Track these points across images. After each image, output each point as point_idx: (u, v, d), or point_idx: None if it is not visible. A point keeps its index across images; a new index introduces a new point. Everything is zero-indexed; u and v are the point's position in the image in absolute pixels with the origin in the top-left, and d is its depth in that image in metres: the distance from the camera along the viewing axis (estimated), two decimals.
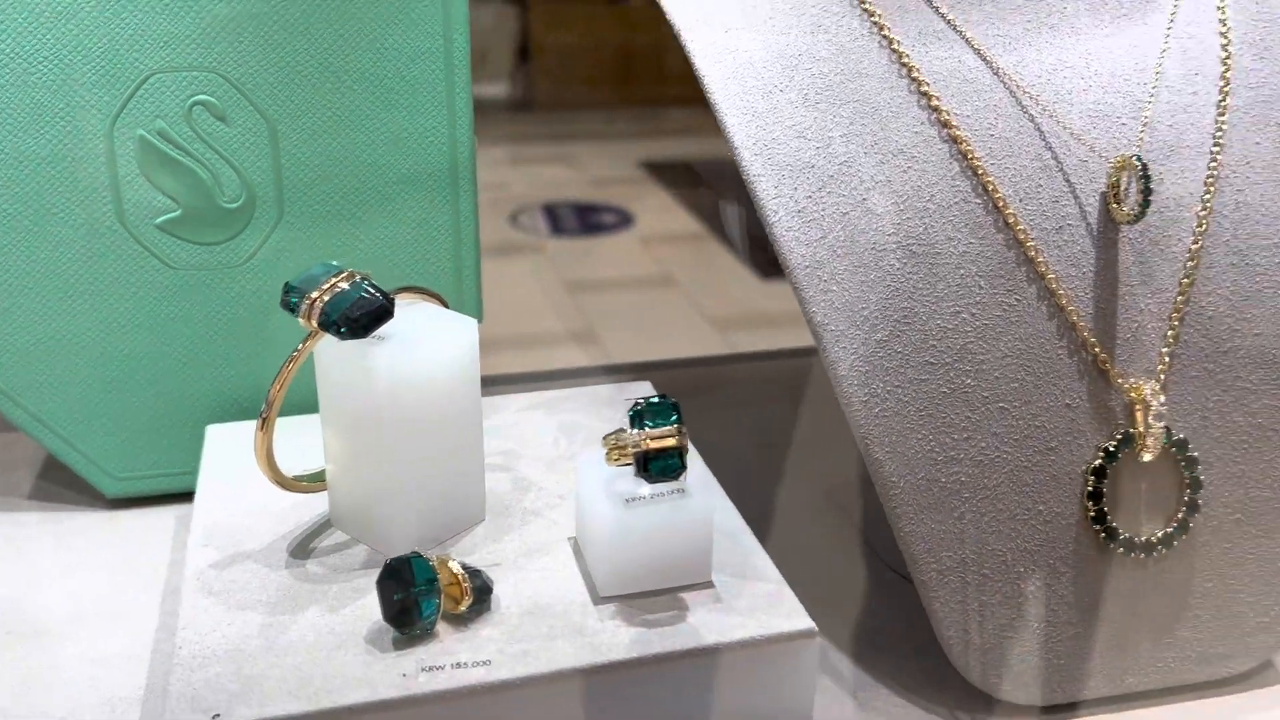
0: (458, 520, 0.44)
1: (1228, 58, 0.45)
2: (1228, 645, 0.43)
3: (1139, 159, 0.40)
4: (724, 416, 0.66)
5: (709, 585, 0.41)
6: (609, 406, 0.55)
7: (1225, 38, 0.45)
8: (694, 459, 0.49)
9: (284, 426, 0.48)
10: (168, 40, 0.48)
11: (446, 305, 0.45)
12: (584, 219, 2.52)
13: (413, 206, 0.52)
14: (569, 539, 0.44)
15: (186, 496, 0.51)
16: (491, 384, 0.66)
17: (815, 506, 0.56)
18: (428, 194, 0.53)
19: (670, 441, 0.37)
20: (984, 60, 0.42)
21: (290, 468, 0.44)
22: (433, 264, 0.54)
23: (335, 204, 0.52)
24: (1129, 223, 0.41)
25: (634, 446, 0.38)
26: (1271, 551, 0.43)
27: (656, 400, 0.38)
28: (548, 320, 2.01)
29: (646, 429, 0.38)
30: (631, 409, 0.38)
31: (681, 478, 0.39)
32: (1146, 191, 0.40)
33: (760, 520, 0.54)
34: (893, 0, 0.43)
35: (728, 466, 0.60)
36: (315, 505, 0.45)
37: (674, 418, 0.38)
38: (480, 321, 0.56)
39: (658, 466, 0.37)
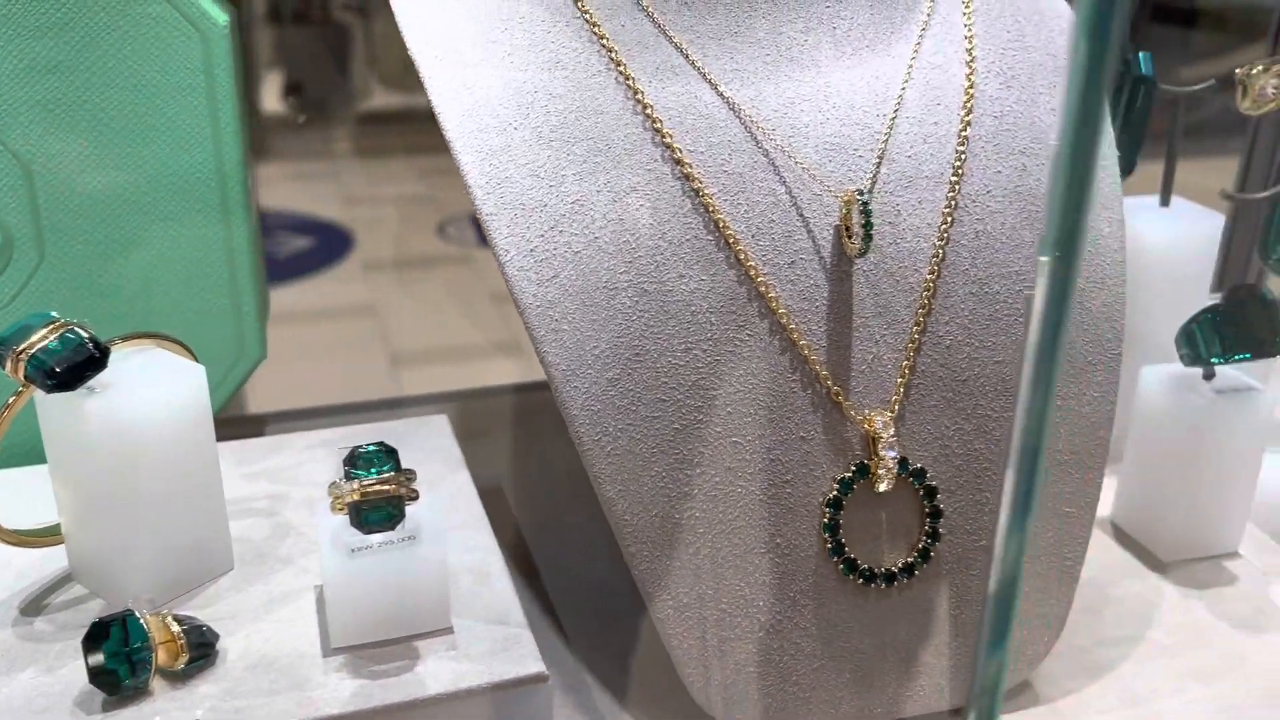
0: (200, 570, 0.43)
1: (971, 87, 0.45)
2: (969, 669, 0.44)
3: (860, 193, 0.40)
4: (545, 449, 0.66)
5: (448, 631, 0.41)
6: (402, 443, 0.54)
7: (970, 67, 0.46)
8: (459, 500, 0.49)
9: (27, 476, 0.46)
10: None
11: (189, 351, 0.44)
12: None
13: (181, 244, 0.51)
14: (316, 587, 0.43)
15: None
16: (294, 419, 0.65)
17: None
18: (197, 230, 0.52)
19: (385, 490, 0.37)
20: (720, 95, 0.42)
21: (33, 519, 0.43)
22: (207, 300, 0.53)
23: (99, 244, 0.50)
24: (859, 256, 0.41)
25: (347, 497, 0.37)
26: None
27: (371, 448, 0.38)
28: (471, 332, 2.00)
29: (359, 479, 0.37)
30: (345, 458, 0.38)
31: (403, 527, 0.39)
32: (868, 225, 0.40)
33: (555, 556, 0.54)
34: (632, 35, 0.43)
35: (536, 499, 0.60)
36: (58, 558, 0.44)
37: (388, 466, 0.37)
38: (264, 358, 0.56)
39: (371, 517, 0.37)
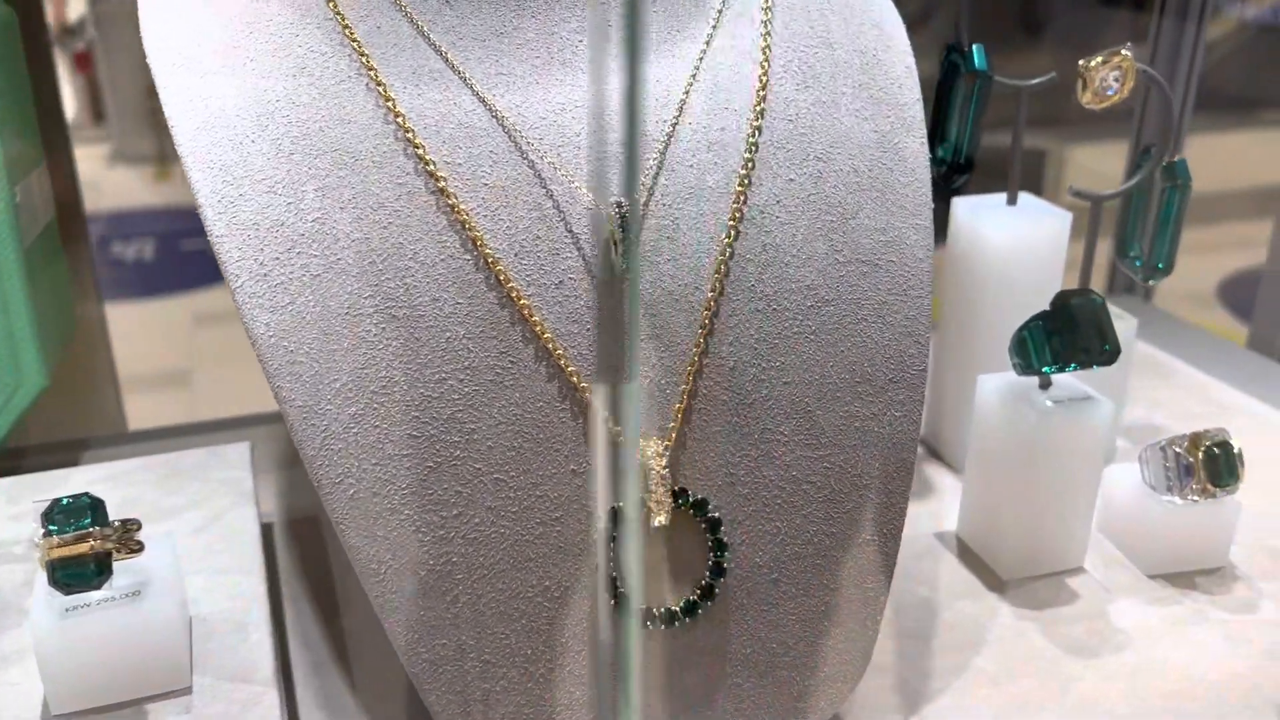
0: None
1: (764, 88, 0.42)
2: (774, 714, 0.41)
3: (620, 205, 0.37)
4: None
5: (186, 691, 0.37)
6: (180, 479, 0.51)
7: (765, 67, 0.43)
8: (235, 540, 0.45)
9: None
10: None
11: None
12: None
13: None
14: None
15: None
16: (92, 445, 0.61)
17: None
18: None
19: (81, 549, 0.34)
20: (482, 102, 0.39)
21: None
22: None
23: None
24: (623, 274, 0.38)
25: (44, 554, 0.34)
26: (813, 610, 0.41)
27: (69, 501, 0.34)
28: None
29: (53, 535, 0.34)
30: (43, 511, 0.34)
31: (125, 583, 0.35)
32: (627, 239, 0.37)
33: (351, 597, 0.51)
34: (388, 38, 0.40)
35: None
36: None
37: (87, 521, 0.34)
38: (45, 386, 0.52)
39: (66, 577, 0.33)
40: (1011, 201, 0.58)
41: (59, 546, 0.34)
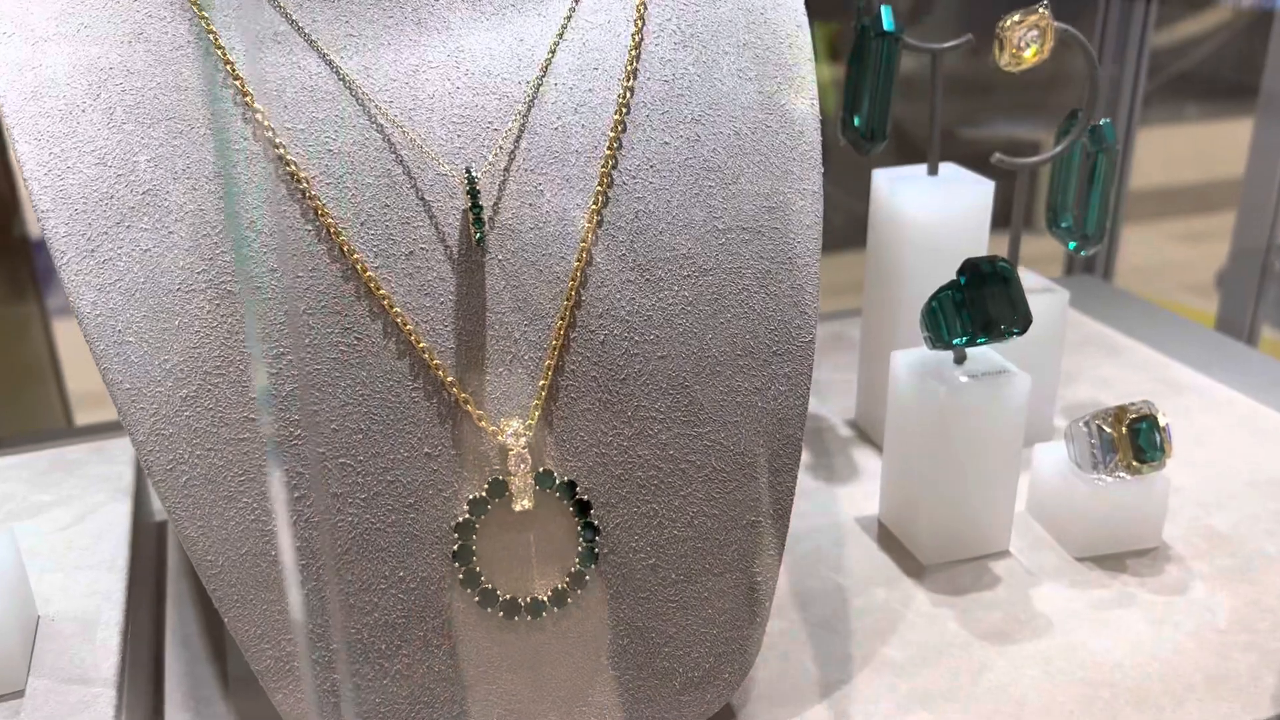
0: None
1: (636, 47, 0.40)
2: (656, 708, 0.39)
3: (470, 173, 0.35)
4: None
5: (18, 695, 0.35)
6: (56, 474, 0.49)
7: (639, 25, 0.41)
8: (86, 538, 0.43)
9: None
10: None
11: None
12: None
13: None
14: None
15: None
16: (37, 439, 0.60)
17: None
18: None
19: None
20: (329, 65, 0.37)
21: None
22: None
23: None
24: (477, 243, 0.36)
25: None
26: (696, 597, 0.39)
27: None
28: None
29: None
30: None
31: None
32: (478, 209, 0.35)
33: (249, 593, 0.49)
34: (230, 0, 0.38)
35: None
36: None
37: None
38: None
39: None
40: (932, 171, 0.56)
41: None
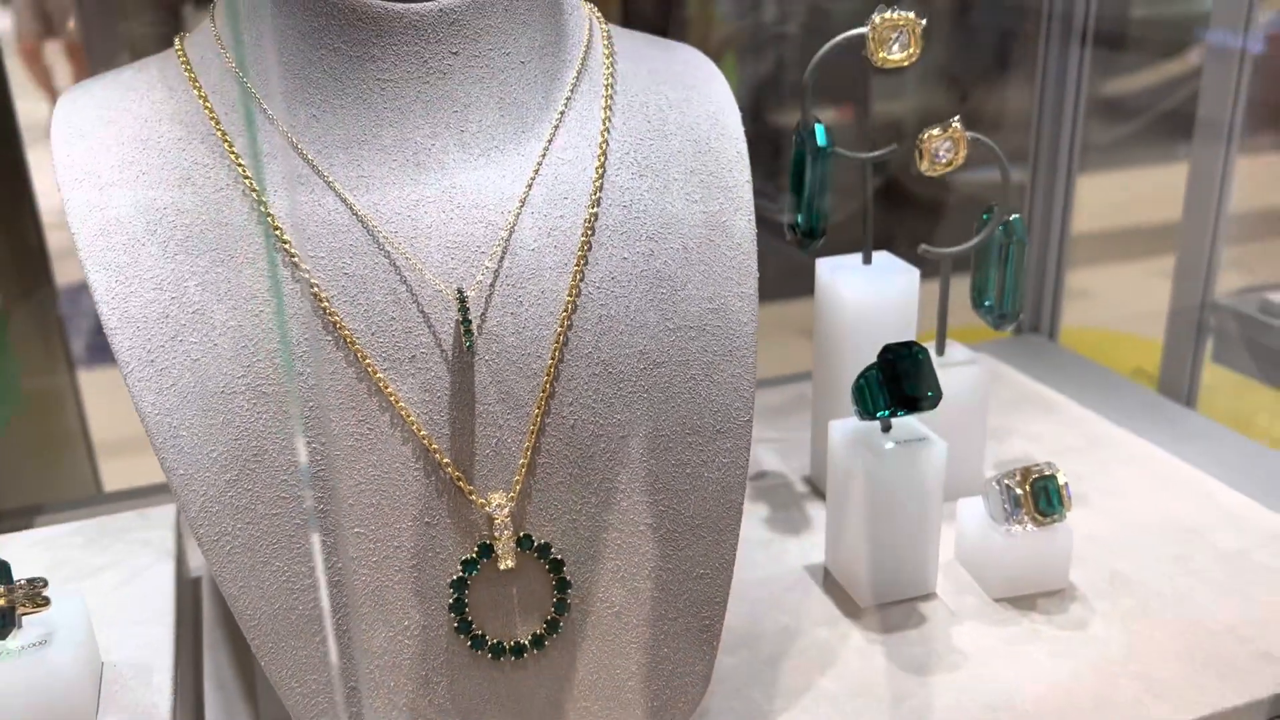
0: None
1: (600, 178, 0.48)
2: None
3: (460, 291, 0.43)
4: None
5: None
6: (106, 540, 0.56)
7: (602, 160, 0.48)
8: (152, 593, 0.50)
9: None
10: None
11: None
12: None
13: None
14: None
15: None
16: (47, 510, 0.67)
17: None
18: None
19: None
20: (344, 203, 0.45)
21: None
22: None
23: None
24: (469, 349, 0.44)
25: None
26: (655, 638, 0.46)
27: None
28: None
29: None
30: None
31: (31, 635, 0.41)
32: (468, 321, 0.43)
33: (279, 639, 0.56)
34: (263, 149, 0.46)
35: None
36: None
37: None
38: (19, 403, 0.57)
39: None
40: (866, 261, 0.64)
41: None
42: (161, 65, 0.50)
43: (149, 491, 0.73)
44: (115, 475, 0.94)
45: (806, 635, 0.55)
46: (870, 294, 0.62)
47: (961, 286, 0.66)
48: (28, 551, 0.55)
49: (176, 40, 0.51)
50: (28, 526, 0.62)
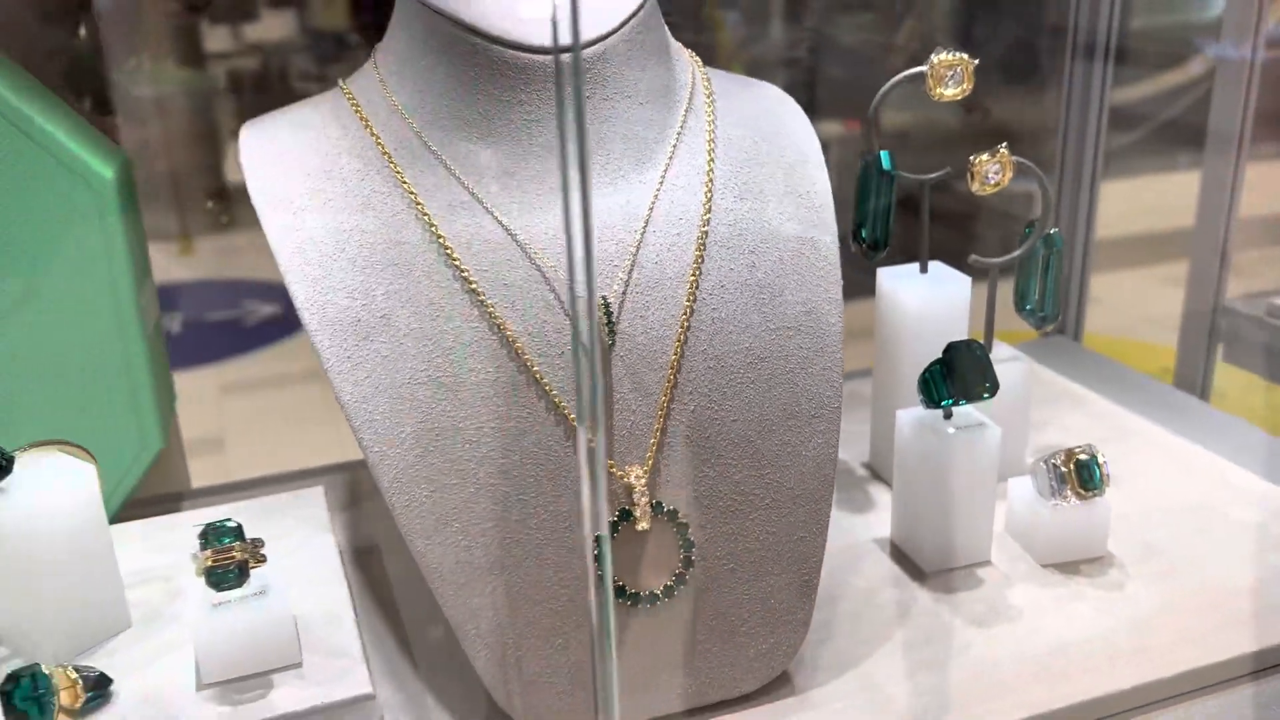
0: (102, 629, 0.53)
1: (709, 201, 0.56)
2: (737, 670, 0.54)
3: (604, 299, 0.51)
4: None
5: (297, 665, 0.51)
6: (271, 516, 0.64)
7: (709, 185, 0.57)
8: (319, 559, 0.59)
9: None
10: None
11: (87, 453, 0.54)
12: None
13: (86, 366, 0.62)
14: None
15: None
16: (192, 496, 0.75)
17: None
18: (96, 346, 0.62)
19: (231, 557, 0.47)
20: (500, 224, 0.53)
21: None
22: (109, 403, 0.63)
23: (16, 368, 0.61)
24: (609, 347, 0.52)
25: (202, 563, 0.47)
26: (762, 592, 0.54)
27: (218, 524, 0.48)
28: None
29: (210, 548, 0.47)
30: (200, 533, 0.48)
31: (255, 584, 0.49)
32: (611, 323, 0.51)
33: (413, 599, 0.64)
34: (429, 179, 0.54)
35: (403, 558, 0.70)
36: None
37: (230, 539, 0.48)
38: (164, 445, 0.66)
39: (218, 580, 0.47)
40: (923, 270, 0.72)
41: (214, 556, 0.47)
42: (333, 104, 0.59)
43: (238, 487, 0.81)
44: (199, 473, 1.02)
45: (880, 595, 0.63)
46: (927, 300, 0.71)
47: (1000, 292, 0.74)
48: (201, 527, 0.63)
49: (341, 81, 0.60)
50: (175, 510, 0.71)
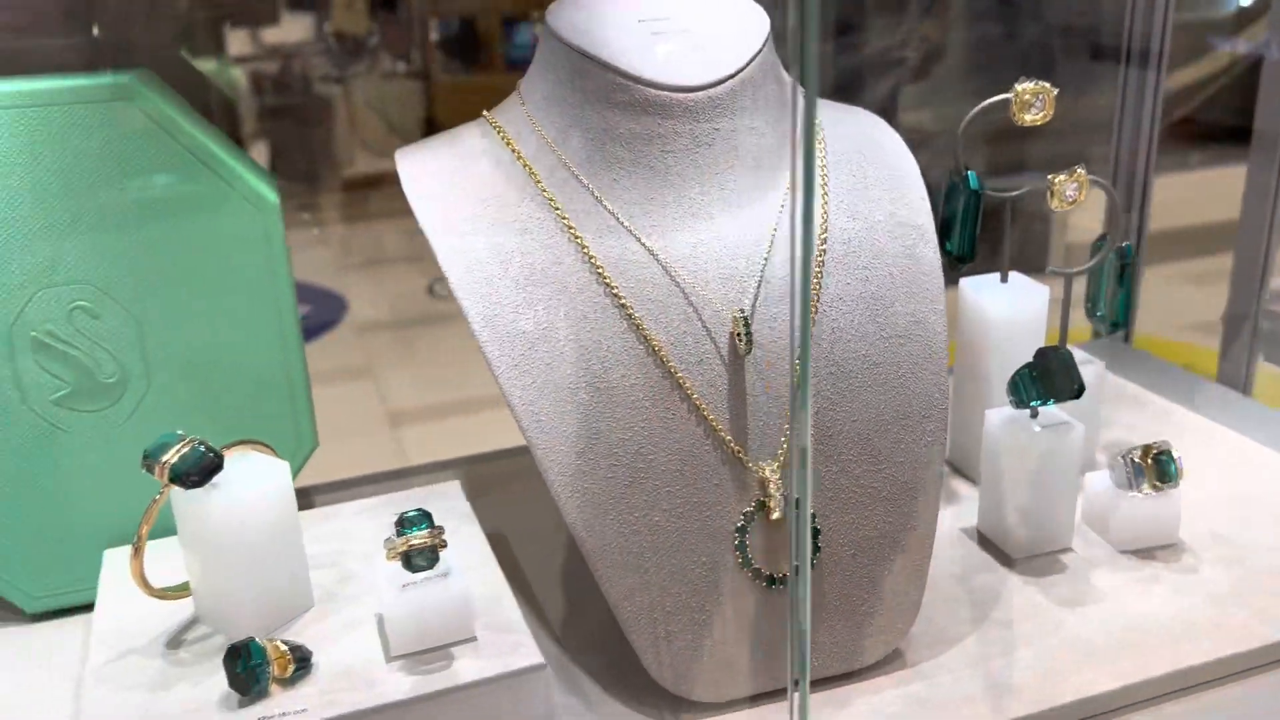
0: (290, 609, 0.59)
1: (825, 221, 0.62)
2: (857, 644, 0.60)
3: (742, 311, 0.57)
4: (533, 501, 0.82)
5: (472, 640, 0.57)
6: (425, 506, 0.70)
7: (825, 208, 0.63)
8: (471, 545, 0.65)
9: (164, 547, 0.62)
10: (50, 265, 0.63)
11: (274, 451, 0.60)
12: None
13: (251, 372, 0.68)
14: (376, 615, 0.59)
15: (91, 607, 0.65)
16: (333, 489, 0.81)
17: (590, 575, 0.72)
18: (262, 356, 0.68)
19: (425, 542, 0.53)
20: (643, 245, 0.59)
21: (167, 580, 0.59)
22: (272, 407, 0.69)
23: (190, 374, 0.67)
24: (746, 355, 0.58)
25: (398, 549, 0.53)
26: (881, 575, 0.60)
27: (413, 513, 0.54)
28: (466, 388, 2.15)
29: (406, 535, 0.53)
30: (396, 521, 0.54)
31: (439, 567, 0.55)
32: (749, 334, 0.57)
33: (547, 583, 0.70)
34: (578, 205, 0.60)
35: (530, 542, 0.76)
36: (187, 607, 0.60)
37: (423, 526, 0.54)
38: (316, 446, 0.72)
39: (415, 562, 0.53)
40: (1004, 280, 0.78)
41: (413, 541, 0.53)
42: (481, 136, 0.65)
43: (355, 483, 0.87)
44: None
45: (973, 579, 0.69)
46: (1009, 307, 0.76)
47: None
48: (357, 519, 0.69)
49: (485, 113, 0.66)
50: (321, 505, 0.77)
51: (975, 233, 0.75)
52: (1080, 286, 0.81)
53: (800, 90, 0.37)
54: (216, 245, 0.66)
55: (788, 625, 0.59)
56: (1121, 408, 0.92)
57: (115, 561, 0.66)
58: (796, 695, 0.45)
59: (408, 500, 0.71)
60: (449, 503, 0.70)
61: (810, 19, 0.35)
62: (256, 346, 0.68)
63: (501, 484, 0.85)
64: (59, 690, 0.62)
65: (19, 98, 0.62)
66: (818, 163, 0.64)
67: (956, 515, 0.77)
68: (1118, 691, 0.59)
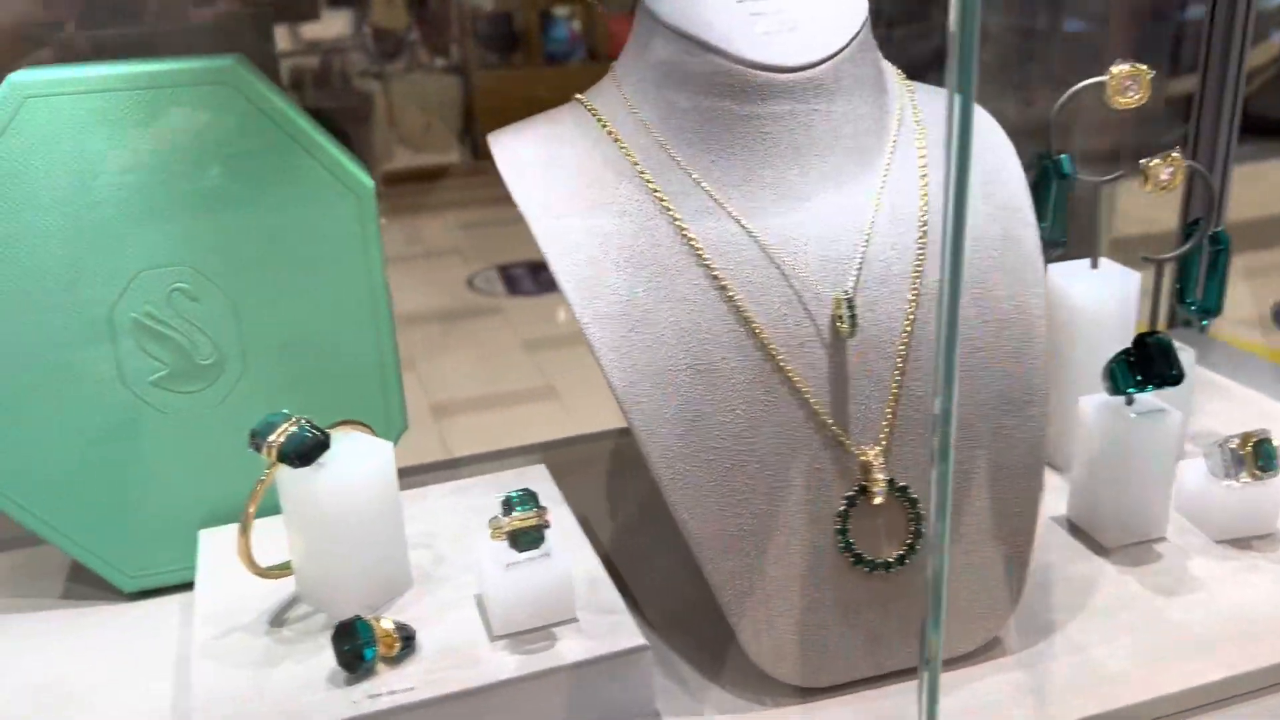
0: (391, 589, 0.60)
1: (924, 207, 0.62)
2: (955, 632, 0.59)
3: (847, 294, 0.57)
4: (614, 485, 0.82)
5: (574, 620, 0.57)
6: (507, 490, 0.70)
7: (924, 191, 0.62)
8: (565, 527, 0.65)
9: (261, 527, 0.63)
10: (151, 247, 0.64)
11: (374, 431, 0.60)
12: (538, 278, 2.68)
13: (345, 355, 0.69)
14: (474, 595, 0.59)
15: (188, 586, 0.66)
16: (418, 472, 0.81)
17: (678, 558, 0.72)
18: (357, 339, 0.69)
19: (531, 522, 0.54)
20: (741, 227, 0.59)
21: (266, 559, 0.60)
22: (366, 388, 0.69)
23: (285, 357, 0.68)
24: (849, 337, 0.57)
25: (505, 528, 0.53)
26: (980, 563, 0.60)
27: (519, 493, 0.54)
28: (507, 380, 2.16)
29: (514, 514, 0.54)
30: (502, 500, 0.54)
31: (542, 547, 0.55)
32: (853, 316, 0.56)
33: (639, 567, 0.70)
34: (675, 187, 0.60)
35: (618, 524, 0.76)
36: (287, 586, 0.61)
37: (529, 506, 0.54)
38: (405, 428, 0.72)
39: (521, 541, 0.53)
40: (1094, 266, 0.77)
41: (520, 521, 0.53)
42: (574, 118, 0.65)
43: (442, 465, 0.88)
44: None
45: (1069, 568, 0.68)
46: (1100, 293, 0.75)
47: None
48: (448, 499, 0.70)
49: (578, 96, 0.66)
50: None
51: (1066, 218, 0.74)
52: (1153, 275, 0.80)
53: (957, 95, 0.37)
54: (313, 229, 0.67)
55: (889, 610, 0.59)
56: (1204, 395, 0.91)
57: (212, 542, 0.66)
58: (926, 674, 0.45)
59: (496, 483, 0.71)
60: (537, 485, 0.70)
61: (971, 18, 0.34)
62: (350, 329, 0.69)
63: (578, 468, 0.85)
64: (159, 667, 0.62)
65: (121, 81, 0.63)
66: (913, 145, 0.64)
67: (1045, 504, 0.76)
68: (1226, 680, 0.59)
